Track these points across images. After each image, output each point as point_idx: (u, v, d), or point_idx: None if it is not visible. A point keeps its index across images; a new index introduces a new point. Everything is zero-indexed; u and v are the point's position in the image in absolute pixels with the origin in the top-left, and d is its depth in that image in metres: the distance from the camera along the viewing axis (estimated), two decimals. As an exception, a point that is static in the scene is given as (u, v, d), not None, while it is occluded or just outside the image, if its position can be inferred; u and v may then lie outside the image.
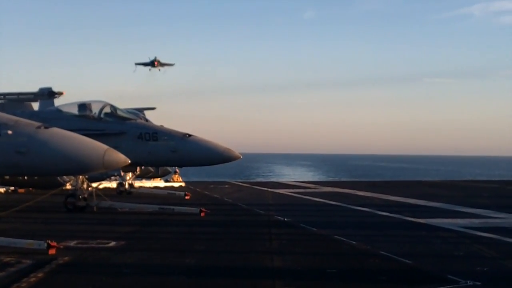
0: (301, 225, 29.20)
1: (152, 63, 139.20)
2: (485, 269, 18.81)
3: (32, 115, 36.57)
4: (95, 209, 34.36)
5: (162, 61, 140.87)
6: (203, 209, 33.20)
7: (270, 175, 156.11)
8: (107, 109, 38.87)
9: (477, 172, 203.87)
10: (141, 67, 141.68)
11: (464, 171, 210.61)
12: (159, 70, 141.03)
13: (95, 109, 38.88)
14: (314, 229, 27.77)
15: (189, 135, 38.34)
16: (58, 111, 39.22)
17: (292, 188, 58.20)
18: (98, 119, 38.48)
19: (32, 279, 16.47)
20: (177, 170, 60.02)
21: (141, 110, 53.40)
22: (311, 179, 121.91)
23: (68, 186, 36.58)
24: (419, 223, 30.99)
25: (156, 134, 38.07)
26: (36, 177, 35.06)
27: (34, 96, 44.71)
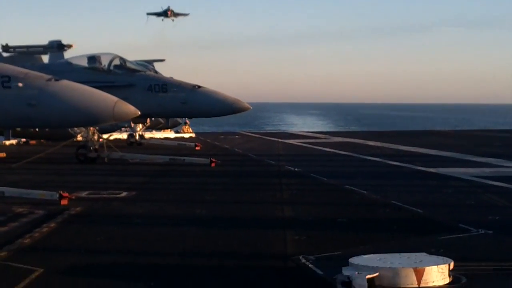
0: (312, 175, 29.21)
1: (165, 13, 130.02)
2: (497, 217, 18.78)
3: (42, 68, 36.58)
4: (106, 160, 34.44)
5: (176, 10, 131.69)
6: (213, 160, 33.24)
7: (279, 125, 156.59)
8: (117, 61, 38.80)
9: (488, 120, 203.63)
10: (154, 17, 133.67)
11: (474, 119, 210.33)
12: (173, 20, 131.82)
13: (105, 62, 38.80)
14: (325, 179, 27.77)
15: (199, 87, 38.28)
16: (68, 63, 39.18)
17: (303, 139, 58.14)
18: (108, 71, 38.43)
19: (45, 229, 16.55)
20: (187, 121, 60.04)
21: (151, 62, 53.25)
22: (321, 129, 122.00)
23: (79, 138, 36.64)
24: (430, 172, 30.94)
25: (166, 85, 38.04)
26: (47, 129, 35.17)
27: (44, 49, 44.69)
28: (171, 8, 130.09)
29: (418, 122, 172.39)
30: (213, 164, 32.89)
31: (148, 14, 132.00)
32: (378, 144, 50.43)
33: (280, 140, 55.23)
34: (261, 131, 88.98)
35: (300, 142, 52.80)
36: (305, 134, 69.33)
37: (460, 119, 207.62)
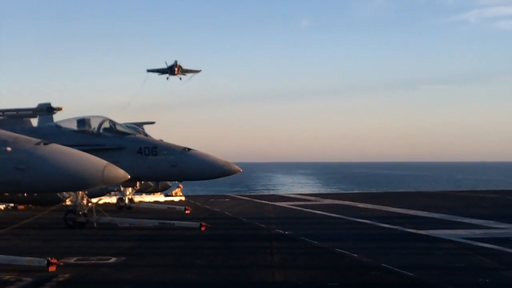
0: (302, 238, 29.11)
1: (171, 70, 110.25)
2: (487, 280, 18.74)
3: (32, 131, 36.55)
4: (95, 225, 34.22)
5: (185, 66, 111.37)
6: (203, 224, 33.12)
7: (270, 185, 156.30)
8: (106, 124, 38.85)
9: (470, 177, 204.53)
10: (155, 75, 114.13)
11: (457, 177, 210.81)
12: (180, 79, 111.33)
13: (94, 124, 38.86)
14: (316, 242, 27.68)
15: (189, 149, 38.29)
16: (57, 126, 39.22)
17: (293, 201, 58.07)
18: (97, 134, 38.46)
19: (32, 297, 16.36)
20: (180, 185, 59.86)
21: (140, 124, 53.32)
22: (310, 188, 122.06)
23: (68, 202, 36.44)
24: (421, 234, 30.90)
25: (156, 148, 38.03)
26: (35, 194, 35.00)
27: (33, 112, 44.59)
28: (179, 63, 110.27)
29: (409, 181, 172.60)
30: (203, 228, 32.76)
31: (149, 71, 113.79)
32: (368, 206, 50.42)
33: (270, 202, 55.14)
34: (251, 193, 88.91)
35: (290, 205, 52.74)
36: (295, 196, 69.26)
37: (439, 177, 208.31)
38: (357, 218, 39.84)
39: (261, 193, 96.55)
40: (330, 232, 32.64)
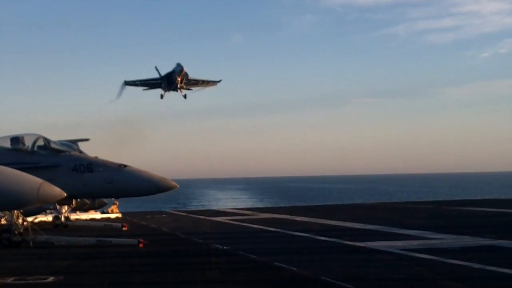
0: (241, 252, 29.07)
1: (169, 81, 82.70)
2: (426, 291, 18.91)
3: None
4: (31, 244, 33.69)
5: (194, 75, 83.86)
6: (141, 240, 32.88)
7: (205, 200, 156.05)
8: (40, 142, 38.28)
9: (401, 189, 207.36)
10: (133, 89, 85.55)
11: (388, 188, 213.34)
12: (185, 96, 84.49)
13: (28, 142, 38.26)
14: (254, 256, 27.65)
15: (124, 166, 37.95)
16: (-10, 145, 38.50)
17: (230, 216, 58.06)
18: (32, 152, 37.88)
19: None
20: (116, 202, 59.41)
21: (75, 141, 52.80)
22: (247, 203, 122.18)
23: (3, 221, 35.91)
24: (359, 246, 31.11)
25: (91, 165, 37.59)
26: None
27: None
28: (184, 69, 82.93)
29: (342, 194, 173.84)
30: (141, 245, 32.51)
31: (129, 83, 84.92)
32: (305, 219, 50.64)
33: (207, 217, 55.06)
34: (188, 209, 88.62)
35: (227, 220, 52.71)
36: (232, 211, 69.28)
37: (366, 188, 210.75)
38: (294, 231, 39.97)
39: (197, 209, 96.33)
40: (268, 246, 32.68)
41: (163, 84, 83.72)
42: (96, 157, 39.68)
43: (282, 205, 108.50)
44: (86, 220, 52.23)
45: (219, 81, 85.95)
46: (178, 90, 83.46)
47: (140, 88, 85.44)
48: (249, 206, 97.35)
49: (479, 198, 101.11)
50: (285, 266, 24.25)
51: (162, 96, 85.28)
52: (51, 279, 22.50)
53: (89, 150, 44.13)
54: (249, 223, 47.80)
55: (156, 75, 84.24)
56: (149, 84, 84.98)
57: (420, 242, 32.23)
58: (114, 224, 46.32)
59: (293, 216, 54.04)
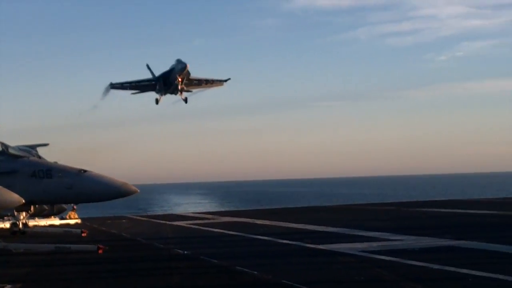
0: (202, 257, 28.96)
1: (165, 81, 70.97)
2: (387, 292, 18.98)
3: None
4: (-12, 252, 33.25)
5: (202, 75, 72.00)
6: (100, 246, 32.59)
7: (166, 206, 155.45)
8: (-3, 148, 37.82)
9: (352, 192, 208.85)
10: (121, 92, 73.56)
11: (342, 191, 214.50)
12: (185, 100, 72.44)
13: (-15, 148, 37.76)
14: (215, 260, 27.56)
15: (85, 171, 37.63)
16: None
17: (191, 220, 57.88)
18: (-12, 158, 37.38)
19: None
20: (74, 207, 58.91)
21: (34, 147, 52.28)
22: (208, 207, 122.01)
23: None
24: (319, 249, 31.16)
25: (50, 171, 37.20)
26: None
27: None
28: (188, 67, 70.46)
29: (303, 198, 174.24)
30: (100, 251, 32.22)
31: (115, 86, 72.88)
32: (267, 222, 50.65)
33: (168, 222, 54.83)
34: (148, 214, 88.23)
35: (188, 224, 52.55)
36: (193, 215, 69.08)
37: (315, 192, 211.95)
38: (256, 235, 39.91)
39: (158, 214, 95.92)
40: (230, 250, 32.60)
41: (157, 86, 71.61)
42: (56, 162, 39.32)
43: (243, 208, 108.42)
44: (44, 226, 51.68)
45: (226, 80, 73.29)
46: (178, 92, 71.21)
47: (128, 92, 73.34)
48: (210, 210, 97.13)
49: (438, 199, 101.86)
50: (247, 270, 24.19)
51: (157, 101, 72.75)
52: (8, 287, 22.20)
53: (52, 155, 43.78)
54: (210, 227, 47.66)
55: (149, 75, 72.12)
56: (140, 86, 72.46)
57: (380, 243, 32.38)
58: (73, 230, 45.91)
59: (254, 220, 54.03)
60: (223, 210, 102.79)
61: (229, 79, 73.31)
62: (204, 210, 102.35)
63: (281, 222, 49.57)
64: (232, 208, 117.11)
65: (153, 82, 71.64)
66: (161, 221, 56.58)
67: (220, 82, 73.29)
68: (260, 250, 32.41)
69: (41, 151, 51.28)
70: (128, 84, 71.80)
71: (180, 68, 69.14)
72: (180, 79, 69.04)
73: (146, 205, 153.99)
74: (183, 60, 70.82)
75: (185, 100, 72.24)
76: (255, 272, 23.56)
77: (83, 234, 43.12)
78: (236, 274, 23.77)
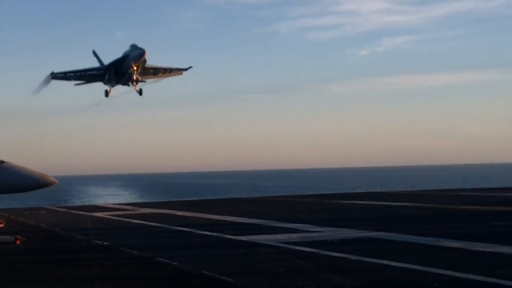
0: (122, 248, 28.77)
1: (117, 72, 62.79)
2: (306, 283, 19.13)
3: None
4: None
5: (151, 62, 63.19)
6: (18, 237, 32.09)
7: (85, 197, 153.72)
8: None
9: (272, 184, 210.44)
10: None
11: (265, 184, 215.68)
12: (140, 92, 62.25)
13: None
14: (135, 252, 27.39)
15: (2, 162, 37.04)
16: None
17: (111, 211, 57.40)
18: None
19: None
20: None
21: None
22: (128, 199, 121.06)
23: None
24: (240, 240, 31.23)
25: (-35, 160, 36.49)
26: None
27: None
28: (145, 55, 60.82)
29: (223, 189, 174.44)
30: (18, 242, 31.73)
31: (57, 76, 62.85)
32: (188, 214, 50.55)
33: (87, 213, 54.28)
34: (67, 205, 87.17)
35: (108, 215, 52.10)
36: (112, 206, 68.55)
37: (259, 186, 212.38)
38: (176, 226, 39.80)
39: (77, 205, 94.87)
40: (150, 242, 32.41)
41: (107, 76, 63.06)
42: (-29, 152, 38.55)
43: (163, 200, 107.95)
44: (-39, 217, 50.50)
45: (187, 69, 65.13)
46: (132, 83, 62.37)
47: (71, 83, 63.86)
48: (130, 202, 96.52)
49: (358, 191, 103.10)
50: (167, 261, 24.12)
51: (107, 93, 63.69)
52: None
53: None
54: (130, 219, 47.40)
55: (95, 64, 63.72)
56: (86, 76, 63.63)
57: (301, 235, 32.63)
58: (-10, 221, 44.97)
59: (174, 211, 53.90)
60: (143, 201, 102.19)
61: (190, 67, 65.46)
62: (124, 201, 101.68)
63: (202, 214, 49.57)
64: (153, 200, 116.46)
65: (102, 72, 63.12)
66: (81, 212, 56.01)
67: (179, 71, 65.04)
68: (181, 241, 32.32)
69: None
70: (72, 74, 62.80)
71: (136, 54, 60.17)
72: (135, 68, 60.50)
73: (65, 196, 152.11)
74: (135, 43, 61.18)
75: (140, 92, 62.82)
76: (175, 263, 23.51)
77: (0, 225, 42.36)
78: (156, 265, 23.68)
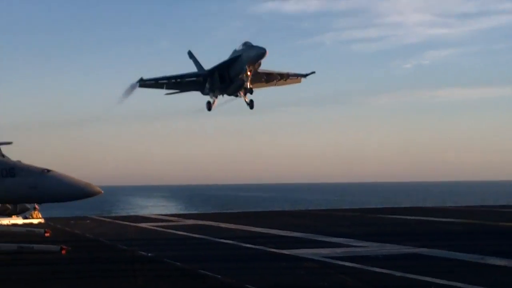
0: (165, 260, 28.91)
1: (226, 78, 52.81)
2: (350, 299, 19.07)
3: None
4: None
5: None
6: (64, 247, 32.38)
7: (130, 208, 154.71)
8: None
9: (309, 198, 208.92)
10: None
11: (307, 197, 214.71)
12: (251, 105, 53.84)
13: None
14: (179, 263, 27.51)
15: (48, 170, 37.30)
16: None
17: (155, 222, 57.69)
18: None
19: None
20: (36, 206, 58.42)
21: (-4, 145, 51.71)
22: (173, 210, 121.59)
23: None
24: (283, 254, 31.20)
25: (13, 169, 36.81)
26: None
27: None
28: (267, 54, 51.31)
29: (264, 202, 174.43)
30: (63, 251, 32.01)
31: (144, 84, 54.36)
32: (231, 226, 50.61)
33: (132, 224, 54.63)
34: (112, 215, 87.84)
35: (152, 226, 52.36)
36: (157, 217, 68.86)
37: (301, 199, 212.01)
38: (220, 238, 39.86)
39: (122, 215, 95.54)
40: (193, 253, 32.54)
41: (208, 84, 53.86)
42: (19, 161, 38.97)
43: (206, 211, 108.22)
44: (7, 225, 51.23)
45: (308, 74, 56.08)
46: (240, 93, 52.93)
47: (162, 92, 55.49)
48: (174, 213, 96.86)
49: (403, 206, 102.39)
50: (210, 273, 24.20)
51: (210, 106, 54.96)
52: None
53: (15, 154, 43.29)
54: (174, 230, 47.59)
55: (193, 69, 55.06)
56: (182, 84, 54.86)
57: (344, 250, 32.49)
58: (36, 229, 45.48)
59: (218, 223, 53.97)
60: (187, 212, 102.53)
61: (313, 72, 56.18)
62: (169, 213, 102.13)
63: (246, 226, 49.55)
64: (197, 211, 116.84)
65: (202, 78, 54.14)
66: (125, 223, 56.38)
67: (297, 77, 55.93)
68: (224, 253, 32.38)
69: (4, 149, 50.79)
70: (165, 81, 53.90)
71: (253, 55, 49.67)
72: (249, 72, 50.20)
73: (110, 206, 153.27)
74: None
75: (251, 104, 53.53)
76: (218, 276, 23.58)
77: (46, 234, 42.75)
78: (199, 278, 23.77)
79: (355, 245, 34.99)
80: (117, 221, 59.96)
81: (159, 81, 53.39)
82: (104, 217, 71.98)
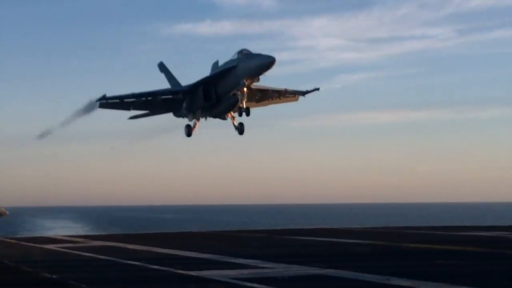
0: (71, 282, 28.49)
1: (212, 97, 46.51)
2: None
3: None
4: None
5: None
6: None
7: (36, 229, 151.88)
8: None
9: (220, 219, 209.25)
10: None
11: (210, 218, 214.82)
12: (237, 122, 48.08)
13: None
14: (84, 285, 27.15)
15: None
16: None
17: (61, 243, 56.81)
18: None
19: None
20: None
21: None
22: (78, 232, 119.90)
23: None
24: (191, 275, 31.07)
25: None
26: None
27: None
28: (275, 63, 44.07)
29: (176, 223, 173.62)
30: (-36, 273, 31.20)
31: (104, 103, 47.92)
32: (138, 247, 50.17)
33: (37, 245, 53.65)
34: (17, 236, 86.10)
35: (58, 247, 51.51)
36: (63, 238, 67.87)
37: (212, 220, 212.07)
38: (127, 260, 39.47)
39: (28, 236, 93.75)
40: (99, 275, 32.14)
41: (185, 104, 46.31)
42: None
43: (114, 233, 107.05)
44: None
45: (309, 91, 51.15)
46: (228, 115, 45.82)
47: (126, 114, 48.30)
48: (81, 234, 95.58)
49: (309, 227, 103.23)
50: (116, 296, 23.96)
51: (189, 131, 48.46)
52: None
53: None
54: (80, 251, 46.92)
55: (166, 84, 48.32)
56: (153, 104, 46.64)
57: (251, 271, 32.56)
58: None
59: (125, 244, 53.47)
60: (94, 234, 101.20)
61: (316, 89, 51.13)
62: (75, 233, 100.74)
63: (153, 248, 49.22)
64: (104, 232, 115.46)
65: (180, 95, 46.03)
66: (31, 244, 55.31)
67: (294, 95, 50.21)
68: (130, 275, 32.09)
69: None
70: (130, 100, 45.68)
71: (258, 65, 42.44)
72: (246, 88, 42.73)
73: (15, 227, 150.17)
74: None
75: (240, 129, 46.71)
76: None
77: None
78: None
79: (263, 266, 35.11)
80: (22, 243, 58.77)
81: (125, 100, 45.76)
82: (9, 238, 70.43)
